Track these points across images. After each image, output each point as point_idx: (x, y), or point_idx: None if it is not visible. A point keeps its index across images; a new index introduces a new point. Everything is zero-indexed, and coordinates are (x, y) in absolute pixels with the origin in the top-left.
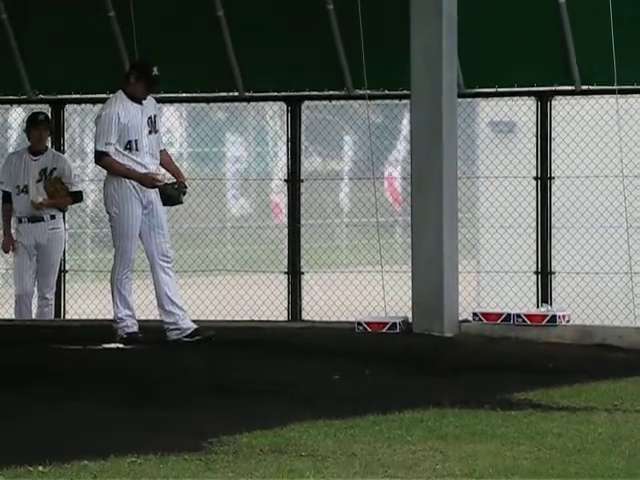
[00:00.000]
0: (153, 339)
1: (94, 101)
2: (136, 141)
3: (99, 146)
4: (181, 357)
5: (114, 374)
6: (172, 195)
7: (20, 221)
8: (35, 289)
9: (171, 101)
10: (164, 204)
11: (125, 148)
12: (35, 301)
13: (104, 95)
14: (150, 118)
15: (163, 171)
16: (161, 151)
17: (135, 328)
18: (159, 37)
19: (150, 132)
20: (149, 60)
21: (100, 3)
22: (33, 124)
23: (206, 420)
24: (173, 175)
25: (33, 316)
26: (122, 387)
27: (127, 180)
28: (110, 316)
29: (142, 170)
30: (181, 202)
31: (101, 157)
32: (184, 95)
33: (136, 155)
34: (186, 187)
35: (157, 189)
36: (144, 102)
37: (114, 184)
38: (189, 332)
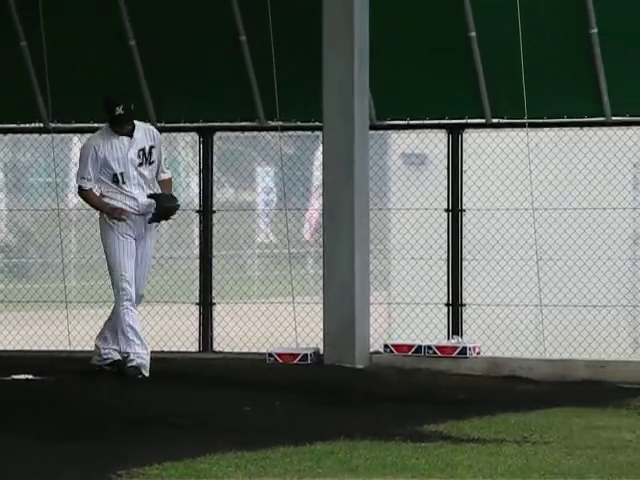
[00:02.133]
0: (69, 370)
1: (4, 131)
2: (122, 174)
3: (76, 180)
4: (90, 389)
5: (20, 406)
6: (165, 199)
7: None
8: None
9: (82, 131)
10: (159, 217)
11: (112, 181)
12: None
13: (13, 125)
14: (142, 150)
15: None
16: (164, 180)
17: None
18: (71, 68)
19: (141, 164)
20: (112, 98)
21: (12, 34)
22: None
23: (115, 452)
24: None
25: None
26: (28, 419)
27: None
28: (19, 347)
29: (132, 202)
30: (177, 205)
31: (79, 191)
32: (96, 125)
33: (123, 188)
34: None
35: (156, 208)
36: (135, 134)
37: (104, 217)
38: (109, 362)
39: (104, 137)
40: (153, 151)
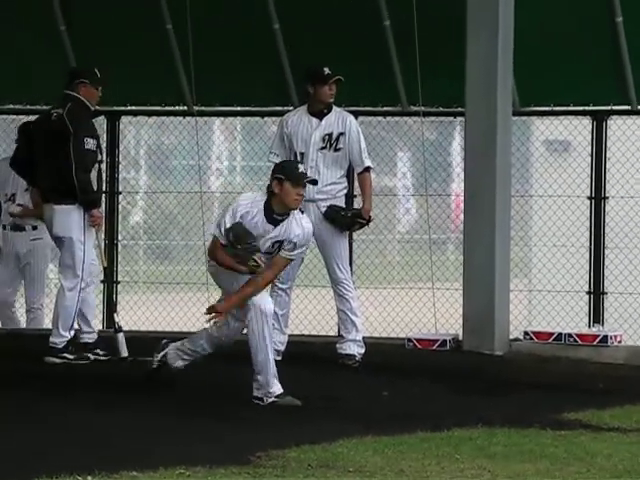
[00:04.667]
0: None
1: (149, 113)
2: (302, 154)
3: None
4: (233, 370)
5: (164, 385)
6: (335, 219)
7: (4, 228)
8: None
9: (225, 114)
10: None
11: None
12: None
13: (158, 107)
14: (329, 135)
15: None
16: (361, 172)
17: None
18: (215, 51)
19: (324, 148)
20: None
21: (158, 16)
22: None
23: (255, 434)
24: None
25: (23, 325)
26: (172, 398)
27: None
28: (160, 328)
29: None
30: (349, 229)
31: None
32: (239, 109)
33: None
34: (364, 219)
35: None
36: (327, 118)
37: None
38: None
39: (297, 114)
40: (341, 138)
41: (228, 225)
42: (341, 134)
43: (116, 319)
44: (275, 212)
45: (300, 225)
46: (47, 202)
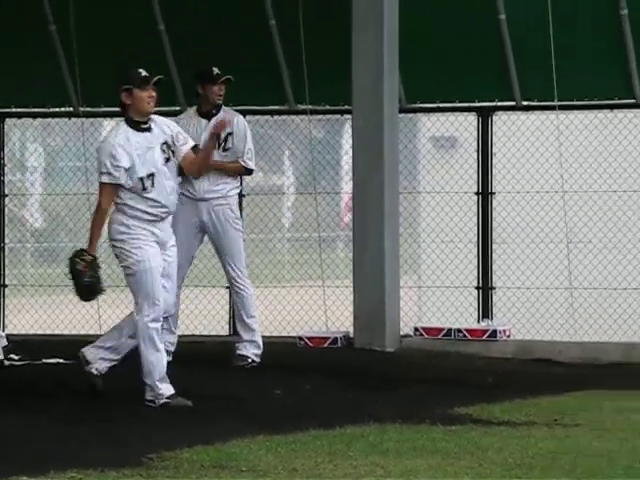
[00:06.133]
0: None
1: (33, 115)
2: None
3: None
4: (118, 373)
5: (54, 389)
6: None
7: None
8: None
9: (112, 115)
10: None
11: None
12: None
13: (43, 109)
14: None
15: None
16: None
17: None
18: (100, 52)
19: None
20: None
21: (41, 17)
22: None
23: (147, 435)
24: None
25: None
26: (62, 402)
27: None
28: (49, 331)
29: (191, 187)
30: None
31: None
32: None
33: None
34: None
35: None
36: (215, 118)
37: None
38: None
39: (187, 115)
40: (229, 138)
41: (126, 163)
42: (229, 134)
43: None
44: (140, 123)
45: (160, 120)
46: None
